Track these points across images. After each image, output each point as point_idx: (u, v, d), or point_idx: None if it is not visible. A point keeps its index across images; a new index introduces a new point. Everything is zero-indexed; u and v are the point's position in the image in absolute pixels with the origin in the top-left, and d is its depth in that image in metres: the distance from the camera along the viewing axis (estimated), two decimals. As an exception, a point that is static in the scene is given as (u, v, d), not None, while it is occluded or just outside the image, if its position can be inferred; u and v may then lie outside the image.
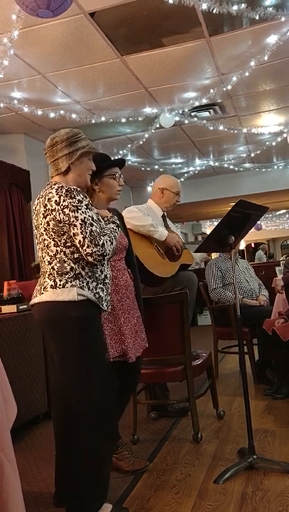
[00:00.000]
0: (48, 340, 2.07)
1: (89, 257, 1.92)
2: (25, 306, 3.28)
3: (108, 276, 2.10)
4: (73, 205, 1.92)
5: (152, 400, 3.22)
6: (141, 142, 6.21)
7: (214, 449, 2.67)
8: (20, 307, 3.28)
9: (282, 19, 3.44)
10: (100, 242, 1.92)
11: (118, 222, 2.19)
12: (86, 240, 1.90)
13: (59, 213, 1.93)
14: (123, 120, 5.26)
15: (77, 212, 1.92)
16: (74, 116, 4.90)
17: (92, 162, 2.14)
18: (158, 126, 5.44)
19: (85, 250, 1.91)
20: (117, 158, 2.56)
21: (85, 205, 1.95)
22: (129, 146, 6.45)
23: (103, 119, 5.14)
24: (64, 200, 1.93)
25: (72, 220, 1.91)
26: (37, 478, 2.49)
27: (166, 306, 2.82)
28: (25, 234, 5.59)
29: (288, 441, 2.67)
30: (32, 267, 4.98)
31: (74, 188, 1.96)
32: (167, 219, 3.38)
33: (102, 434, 1.98)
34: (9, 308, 3.27)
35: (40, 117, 4.88)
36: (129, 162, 7.30)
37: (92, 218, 1.95)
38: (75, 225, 1.91)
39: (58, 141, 2.05)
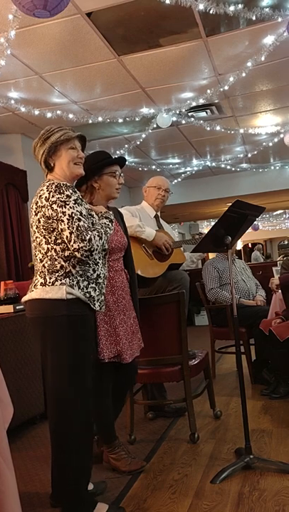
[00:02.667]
0: (38, 337, 2.06)
1: (76, 253, 1.91)
2: (22, 307, 3.28)
3: (102, 275, 2.08)
4: (61, 201, 1.92)
5: (149, 400, 3.22)
6: (138, 142, 6.21)
7: (211, 449, 2.67)
8: (17, 307, 3.28)
9: (279, 20, 3.45)
10: (87, 237, 1.89)
11: (112, 217, 2.17)
12: (73, 235, 1.89)
13: (48, 209, 1.93)
14: (120, 120, 5.26)
15: (65, 207, 1.91)
16: (71, 116, 4.89)
17: (76, 150, 2.09)
18: (155, 126, 5.43)
19: (72, 246, 1.90)
20: (118, 156, 2.55)
21: (74, 200, 1.94)
22: (126, 146, 6.45)
23: (100, 119, 5.13)
24: (53, 196, 1.93)
25: (60, 215, 1.91)
26: (33, 478, 2.49)
27: (162, 306, 2.82)
28: (22, 234, 5.59)
29: (285, 441, 2.67)
30: (29, 267, 4.99)
31: (63, 184, 1.96)
32: (161, 219, 3.40)
33: (93, 436, 1.98)
34: (6, 309, 3.27)
35: (37, 117, 4.87)
36: (127, 162, 7.28)
37: (81, 213, 1.94)
38: (63, 221, 1.91)
39: (34, 145, 2.11)
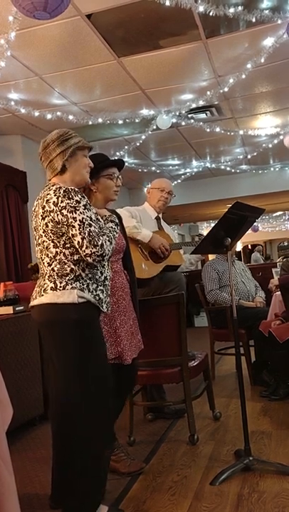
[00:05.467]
0: (47, 342, 2.06)
1: (88, 258, 1.91)
2: (22, 308, 3.28)
3: (108, 277, 2.09)
4: (71, 206, 1.91)
5: (149, 402, 3.22)
6: (138, 144, 6.22)
7: (210, 450, 2.67)
8: (17, 308, 3.28)
9: (279, 22, 3.45)
10: (99, 243, 1.90)
11: (116, 221, 2.18)
12: (85, 241, 1.89)
13: (57, 214, 1.92)
14: (120, 122, 5.26)
15: (76, 212, 1.91)
16: (71, 117, 4.90)
17: (87, 158, 2.12)
18: (155, 127, 5.44)
19: (84, 251, 1.90)
20: (116, 158, 2.53)
21: (83, 205, 1.94)
22: (126, 147, 6.45)
23: (100, 120, 5.14)
24: (62, 201, 1.92)
25: (70, 220, 1.90)
26: (33, 480, 2.49)
27: (162, 308, 2.82)
28: (22, 235, 5.59)
29: (284, 443, 2.67)
30: (29, 268, 4.99)
31: (72, 189, 1.95)
32: (162, 221, 3.40)
33: (101, 437, 1.97)
34: (6, 310, 3.27)
35: (37, 119, 4.88)
36: (126, 163, 7.25)
37: (91, 218, 1.94)
38: (74, 226, 1.90)
39: (49, 143, 2.05)
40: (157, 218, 3.35)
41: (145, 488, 2.29)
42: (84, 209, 1.93)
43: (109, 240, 1.98)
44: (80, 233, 1.89)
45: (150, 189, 3.40)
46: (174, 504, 2.12)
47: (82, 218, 1.91)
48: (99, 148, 6.27)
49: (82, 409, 1.93)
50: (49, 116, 4.75)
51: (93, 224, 1.93)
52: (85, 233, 1.89)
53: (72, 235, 1.92)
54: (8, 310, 3.26)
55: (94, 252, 1.89)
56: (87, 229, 1.90)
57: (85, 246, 1.89)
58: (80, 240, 1.90)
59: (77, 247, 1.92)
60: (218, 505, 2.07)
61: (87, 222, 1.91)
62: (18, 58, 3.81)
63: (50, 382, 2.12)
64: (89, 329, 1.98)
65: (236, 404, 3.37)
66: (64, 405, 1.97)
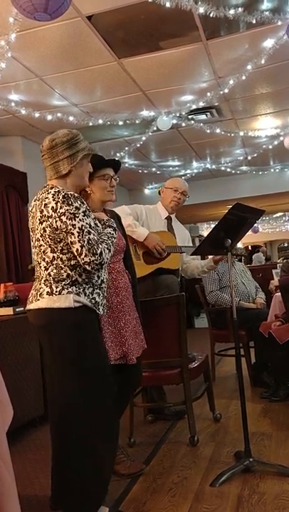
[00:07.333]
0: (44, 344, 2.06)
1: (87, 266, 1.90)
2: (22, 309, 3.27)
3: (105, 280, 2.08)
4: (70, 213, 1.89)
5: (149, 403, 3.22)
6: (138, 145, 6.23)
7: (211, 452, 2.67)
8: (17, 309, 3.28)
9: (279, 23, 3.46)
10: (98, 251, 1.89)
11: (115, 225, 2.18)
12: (84, 249, 1.88)
13: (56, 220, 1.90)
14: (120, 123, 5.27)
15: (75, 220, 1.89)
16: (71, 118, 4.91)
17: (90, 164, 2.12)
18: (155, 128, 5.45)
19: (83, 259, 1.89)
20: (110, 159, 2.49)
21: (83, 212, 1.92)
22: (126, 148, 6.46)
23: (100, 121, 5.15)
24: (61, 207, 1.89)
25: (69, 228, 1.89)
26: (33, 481, 2.48)
27: (162, 309, 2.82)
28: (22, 236, 5.59)
29: (284, 444, 2.67)
30: (29, 269, 4.99)
31: (71, 194, 1.93)
32: (174, 221, 3.39)
33: (99, 438, 1.97)
34: (6, 311, 3.27)
35: (37, 120, 4.89)
36: (127, 164, 7.31)
37: (90, 226, 1.92)
38: (73, 234, 1.89)
39: (58, 143, 1.99)
40: (168, 218, 3.35)
41: (145, 490, 2.29)
42: (83, 216, 1.91)
43: (108, 248, 1.98)
44: (79, 241, 1.88)
45: (164, 188, 3.40)
46: (174, 505, 2.12)
47: (82, 226, 1.89)
48: (99, 150, 6.28)
49: (79, 407, 1.93)
50: (49, 117, 4.76)
51: (92, 231, 1.91)
52: (84, 241, 1.88)
53: (71, 242, 1.90)
54: (8, 311, 3.26)
55: (93, 261, 1.88)
56: (87, 237, 1.88)
57: (84, 254, 1.88)
58: (79, 248, 1.88)
59: (76, 254, 1.90)
60: (219, 507, 2.06)
61: (86, 230, 1.89)
62: (18, 59, 3.82)
63: (48, 384, 2.12)
64: (85, 331, 1.98)
65: (236, 406, 3.36)
66: (62, 405, 1.97)
